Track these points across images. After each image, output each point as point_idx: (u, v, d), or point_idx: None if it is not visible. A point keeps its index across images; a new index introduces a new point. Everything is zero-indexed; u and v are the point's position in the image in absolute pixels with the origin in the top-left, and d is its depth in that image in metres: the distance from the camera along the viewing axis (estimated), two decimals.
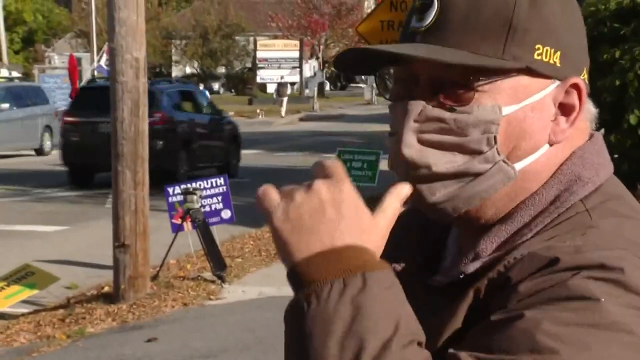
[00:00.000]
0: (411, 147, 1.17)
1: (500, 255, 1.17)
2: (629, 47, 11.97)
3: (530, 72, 1.18)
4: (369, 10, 39.89)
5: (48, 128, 25.65)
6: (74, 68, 33.72)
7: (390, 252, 1.28)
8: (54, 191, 17.45)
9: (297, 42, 51.22)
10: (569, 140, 1.22)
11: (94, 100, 17.12)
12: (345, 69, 1.27)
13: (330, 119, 40.51)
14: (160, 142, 16.13)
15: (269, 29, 56.12)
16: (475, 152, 1.17)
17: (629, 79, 11.76)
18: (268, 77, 51.00)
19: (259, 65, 50.91)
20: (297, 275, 1.04)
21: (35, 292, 8.74)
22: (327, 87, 57.64)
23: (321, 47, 53.48)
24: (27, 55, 57.35)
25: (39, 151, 25.21)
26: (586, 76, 1.23)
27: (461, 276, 1.18)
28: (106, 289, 9.22)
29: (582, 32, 1.24)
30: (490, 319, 1.09)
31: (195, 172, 16.79)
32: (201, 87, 38.19)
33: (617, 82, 11.80)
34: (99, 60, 34.48)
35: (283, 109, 41.02)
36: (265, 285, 9.15)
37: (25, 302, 8.87)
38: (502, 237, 1.18)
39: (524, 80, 1.18)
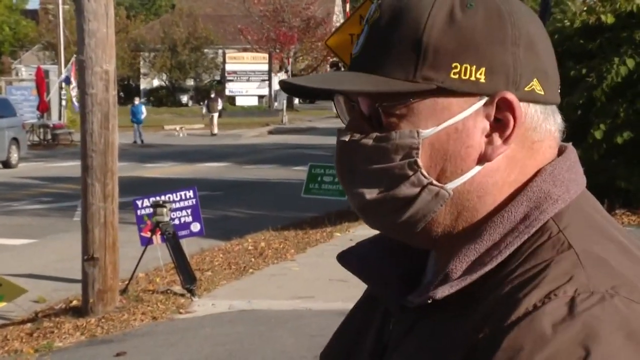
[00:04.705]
0: (344, 177, 1.21)
1: (472, 280, 1.15)
2: (596, 63, 12.12)
3: (448, 91, 1.16)
4: (338, 24, 40.04)
5: (15, 140, 25.48)
6: (41, 80, 33.53)
7: (371, 270, 1.31)
8: (21, 204, 17.32)
9: (266, 55, 51.28)
10: (525, 153, 1.19)
11: None
12: (303, 95, 1.28)
13: (299, 132, 40.56)
14: None
15: (238, 42, 56.12)
16: (401, 178, 1.17)
17: (596, 94, 11.91)
18: (237, 89, 51.00)
19: (228, 78, 50.93)
20: None
21: (3, 304, 8.66)
22: (296, 100, 57.69)
23: (290, 60, 53.53)
24: None
25: (6, 164, 25.01)
26: (537, 85, 1.19)
27: (429, 301, 1.16)
28: (75, 302, 9.16)
29: (520, 41, 1.18)
30: None
31: None
32: (137, 101, 36.98)
33: (584, 98, 11.96)
34: (66, 72, 34.36)
35: (214, 126, 39.14)
36: (236, 299, 9.13)
37: None
38: (472, 256, 1.16)
39: (444, 100, 1.16)
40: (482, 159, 1.17)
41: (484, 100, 1.16)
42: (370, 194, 1.18)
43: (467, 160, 1.17)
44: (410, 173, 1.17)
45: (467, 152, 1.17)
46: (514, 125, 1.17)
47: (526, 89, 1.18)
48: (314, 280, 9.73)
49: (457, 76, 1.15)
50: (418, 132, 1.16)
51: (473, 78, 1.15)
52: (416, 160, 1.16)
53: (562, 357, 1.04)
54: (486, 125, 1.17)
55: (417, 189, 1.17)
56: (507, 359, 1.06)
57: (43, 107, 33.57)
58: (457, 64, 1.15)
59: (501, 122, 1.17)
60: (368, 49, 1.20)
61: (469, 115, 1.16)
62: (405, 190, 1.17)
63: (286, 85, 1.23)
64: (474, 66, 1.15)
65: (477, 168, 1.18)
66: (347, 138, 1.20)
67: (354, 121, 1.21)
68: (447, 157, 1.17)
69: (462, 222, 1.19)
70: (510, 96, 1.16)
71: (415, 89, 1.15)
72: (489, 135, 1.17)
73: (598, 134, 11.90)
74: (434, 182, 1.17)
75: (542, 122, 1.20)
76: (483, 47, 1.16)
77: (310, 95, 1.27)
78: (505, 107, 1.17)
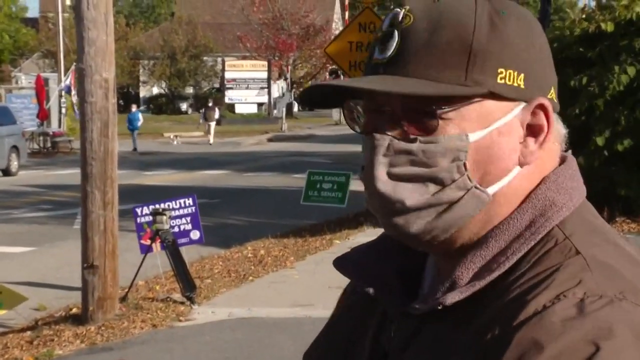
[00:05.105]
0: (384, 183, 1.18)
1: (481, 286, 1.16)
2: (597, 72, 12.13)
3: (494, 96, 1.17)
4: (337, 32, 40.08)
5: (15, 148, 25.48)
6: (41, 88, 33.53)
7: (369, 275, 1.29)
8: (21, 212, 17.31)
9: (265, 63, 51.32)
10: (539, 162, 1.21)
11: None
12: (313, 104, 1.27)
13: (298, 140, 40.57)
14: None
15: (237, 50, 56.18)
16: (446, 181, 1.17)
17: (597, 103, 11.94)
18: (236, 97, 51.02)
19: (227, 86, 50.95)
20: None
21: (3, 312, 8.65)
22: (296, 107, 57.72)
23: (289, 67, 53.57)
24: None
25: (6, 172, 25.01)
26: (554, 94, 1.23)
27: (439, 307, 1.17)
28: (74, 310, 9.15)
29: (544, 50, 1.23)
30: None
31: None
32: (134, 108, 36.72)
33: (585, 106, 11.97)
34: (65, 81, 34.38)
35: (211, 136, 38.48)
36: (235, 306, 9.13)
37: None
38: (479, 263, 1.17)
39: (489, 104, 1.17)
40: (521, 163, 1.20)
41: (522, 105, 1.19)
42: (411, 199, 1.17)
43: (510, 163, 1.19)
44: (457, 176, 1.17)
45: (509, 155, 1.19)
46: (548, 130, 1.20)
47: (548, 96, 1.21)
48: (313, 287, 9.73)
49: (503, 81, 1.18)
50: (467, 135, 1.17)
51: (515, 84, 1.18)
52: (464, 162, 1.17)
53: (571, 353, 1.05)
54: (521, 130, 1.20)
55: (462, 193, 1.17)
56: (517, 356, 1.07)
57: (43, 115, 33.58)
58: (502, 69, 1.18)
59: (534, 127, 1.20)
60: (405, 53, 1.18)
61: (508, 120, 1.19)
62: (450, 193, 1.17)
63: (321, 88, 1.23)
64: (516, 72, 1.18)
65: (516, 170, 1.19)
66: (386, 142, 1.18)
67: (387, 124, 1.19)
68: (489, 161, 1.18)
69: (483, 230, 1.20)
70: (546, 102, 1.20)
71: (469, 93, 1.16)
72: (522, 141, 1.20)
73: (600, 141, 11.92)
74: (478, 185, 1.18)
75: (560, 130, 1.24)
76: (520, 53, 1.19)
77: (317, 102, 1.27)
78: (541, 112, 1.20)
